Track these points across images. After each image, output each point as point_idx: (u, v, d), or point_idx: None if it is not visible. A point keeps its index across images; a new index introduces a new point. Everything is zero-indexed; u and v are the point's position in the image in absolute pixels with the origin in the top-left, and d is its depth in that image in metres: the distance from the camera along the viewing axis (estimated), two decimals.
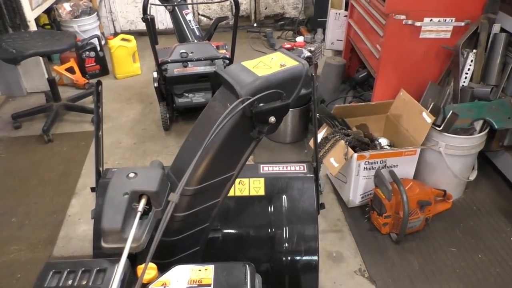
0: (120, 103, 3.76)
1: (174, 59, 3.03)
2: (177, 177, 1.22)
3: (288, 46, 3.08)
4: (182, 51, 3.05)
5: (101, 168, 1.61)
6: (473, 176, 2.57)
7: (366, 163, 2.36)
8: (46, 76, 3.40)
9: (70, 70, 4.01)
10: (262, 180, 1.65)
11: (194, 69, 3.05)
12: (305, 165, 1.71)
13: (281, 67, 1.15)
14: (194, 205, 1.23)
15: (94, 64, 4.17)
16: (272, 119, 1.14)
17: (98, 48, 4.16)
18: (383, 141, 2.58)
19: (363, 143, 2.49)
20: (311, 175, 1.66)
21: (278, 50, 1.26)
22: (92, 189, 1.62)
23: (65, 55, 4.07)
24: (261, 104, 1.11)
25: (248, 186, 1.64)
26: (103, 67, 4.25)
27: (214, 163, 1.17)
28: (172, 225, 1.23)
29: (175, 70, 3.03)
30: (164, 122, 3.28)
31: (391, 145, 2.60)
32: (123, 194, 1.05)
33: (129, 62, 4.18)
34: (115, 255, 1.00)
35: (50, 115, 3.32)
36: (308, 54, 2.97)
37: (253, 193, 1.63)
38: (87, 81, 3.98)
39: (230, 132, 1.12)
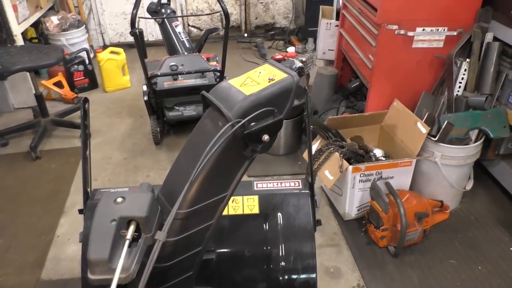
0: (110, 117, 3.70)
1: (164, 72, 2.98)
2: (168, 200, 1.16)
3: (279, 56, 3.05)
4: (172, 64, 3.01)
5: (89, 189, 1.55)
6: (469, 185, 2.53)
7: (362, 175, 2.31)
8: (34, 92, 3.32)
9: (58, 84, 3.94)
10: (256, 197, 1.60)
11: (185, 82, 3.01)
12: (300, 180, 1.67)
13: (269, 82, 1.11)
14: (186, 228, 1.18)
15: (83, 77, 4.10)
16: (266, 137, 1.09)
17: (87, 62, 4.09)
18: (378, 152, 2.54)
19: (358, 155, 2.45)
20: (307, 191, 1.62)
21: (266, 62, 1.21)
22: (80, 211, 1.56)
23: (53, 69, 4.00)
24: (252, 124, 1.06)
25: (242, 204, 1.59)
26: (92, 81, 4.18)
27: (206, 185, 1.12)
28: (164, 250, 1.17)
29: (165, 83, 2.98)
30: (155, 136, 3.22)
31: (386, 156, 2.56)
32: (110, 221, 0.99)
33: (118, 75, 4.12)
34: (103, 287, 0.94)
35: (38, 131, 3.25)
36: (300, 64, 2.94)
37: (247, 211, 1.58)
38: (75, 95, 3.92)
39: (222, 153, 1.06)
